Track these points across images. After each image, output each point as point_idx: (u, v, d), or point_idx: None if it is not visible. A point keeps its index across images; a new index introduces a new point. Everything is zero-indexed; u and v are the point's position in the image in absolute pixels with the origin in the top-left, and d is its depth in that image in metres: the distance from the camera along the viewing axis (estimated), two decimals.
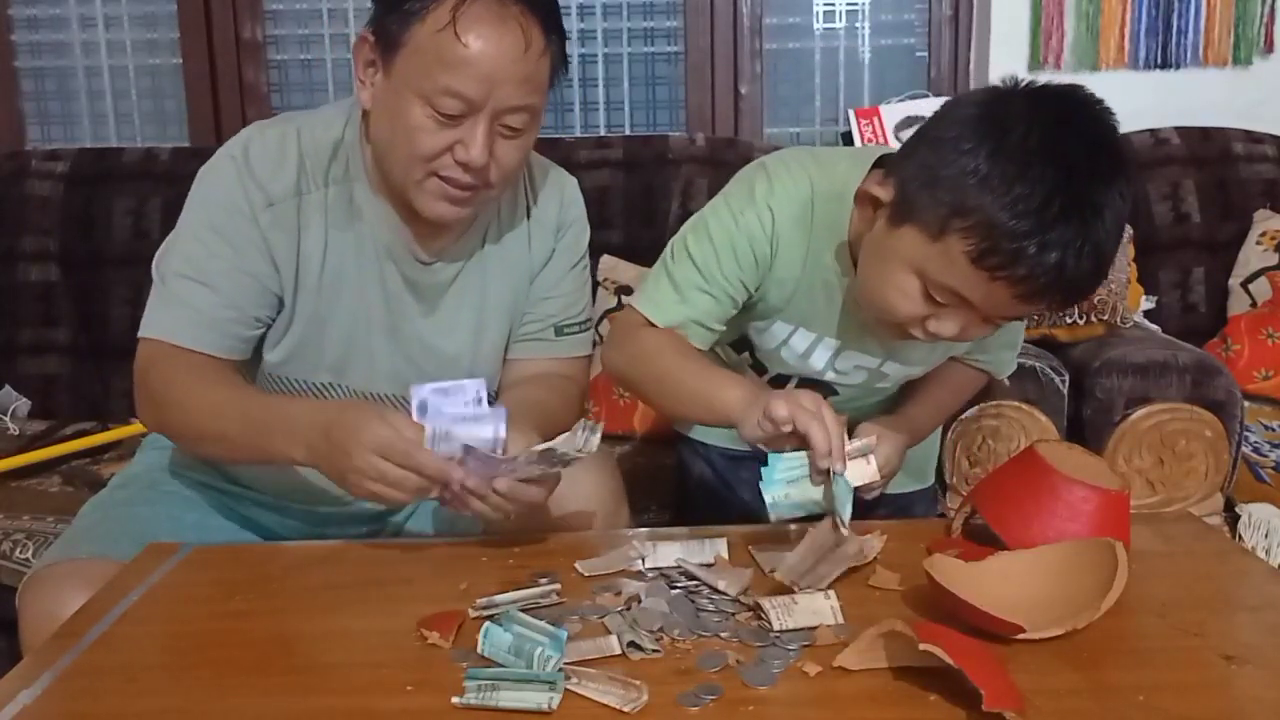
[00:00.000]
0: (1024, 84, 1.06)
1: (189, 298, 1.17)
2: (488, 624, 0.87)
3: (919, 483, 1.46)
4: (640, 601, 0.96)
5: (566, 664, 0.83)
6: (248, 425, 1.13)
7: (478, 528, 1.27)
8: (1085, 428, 1.69)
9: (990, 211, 0.99)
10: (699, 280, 1.21)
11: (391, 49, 1.13)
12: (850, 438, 1.10)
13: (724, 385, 1.15)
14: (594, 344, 1.39)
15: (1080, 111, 1.04)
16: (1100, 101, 1.06)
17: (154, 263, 1.23)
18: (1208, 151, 2.27)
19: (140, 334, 1.19)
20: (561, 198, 1.33)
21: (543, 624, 0.87)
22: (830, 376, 1.29)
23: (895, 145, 2.26)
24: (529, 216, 1.31)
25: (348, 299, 1.23)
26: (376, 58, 1.15)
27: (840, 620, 0.92)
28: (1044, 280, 1.00)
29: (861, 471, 1.10)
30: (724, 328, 1.25)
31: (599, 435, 1.05)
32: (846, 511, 1.02)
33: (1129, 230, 2.04)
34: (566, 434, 1.06)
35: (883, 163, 1.15)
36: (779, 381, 1.33)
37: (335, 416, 1.07)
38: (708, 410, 1.16)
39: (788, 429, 1.02)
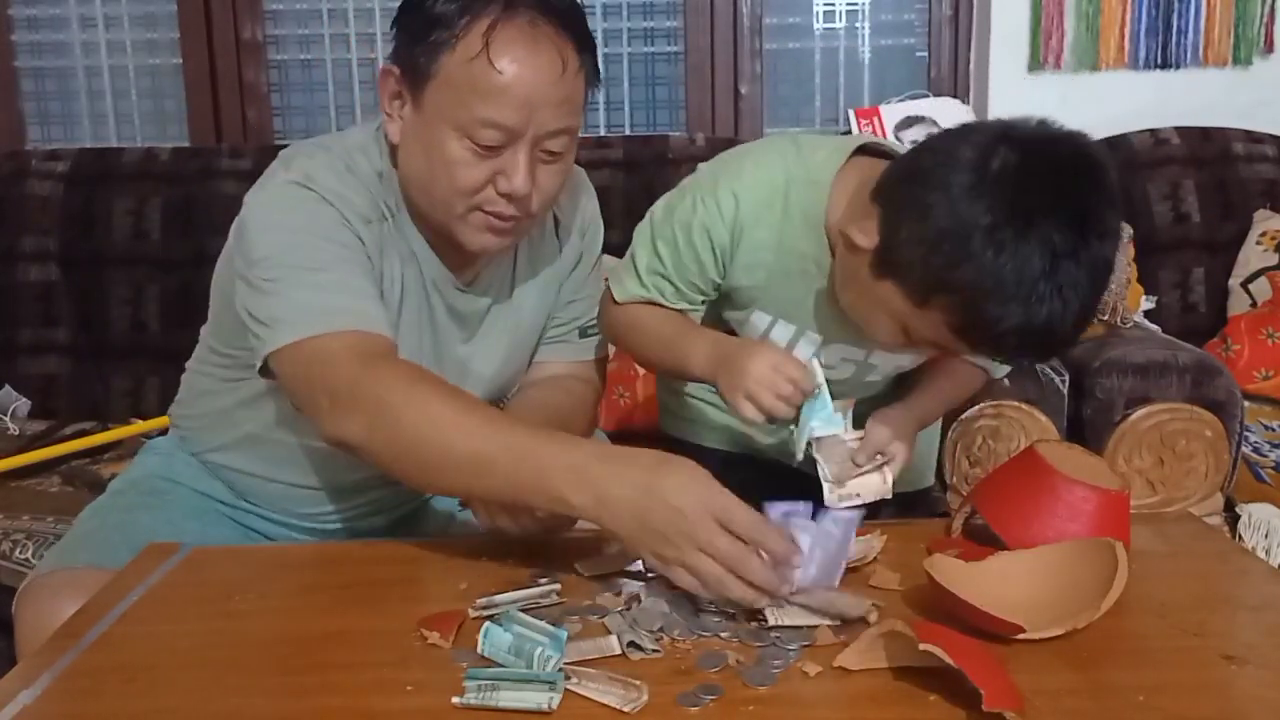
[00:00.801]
0: (1017, 133, 0.99)
1: (340, 285, 1.06)
2: (488, 624, 0.87)
3: (919, 485, 1.46)
4: (640, 601, 0.96)
5: (566, 664, 0.83)
6: (516, 454, 0.97)
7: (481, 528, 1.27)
8: (1085, 428, 1.69)
9: (974, 292, 0.96)
10: (659, 266, 1.22)
11: (420, 81, 1.07)
12: (855, 427, 1.13)
13: (689, 352, 1.18)
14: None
15: (1079, 175, 0.99)
16: (1100, 161, 1.00)
17: (243, 287, 1.09)
18: (1208, 151, 2.27)
19: (286, 338, 1.04)
20: (579, 197, 1.32)
21: (543, 624, 0.87)
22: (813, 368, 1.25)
23: (896, 145, 2.28)
24: (556, 222, 1.29)
25: (410, 330, 1.17)
26: (403, 90, 1.10)
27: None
28: (1027, 346, 1.01)
29: (875, 487, 1.11)
30: (692, 308, 1.25)
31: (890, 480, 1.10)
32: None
33: (1129, 230, 2.05)
34: (877, 477, 1.09)
35: (865, 150, 1.16)
36: None
37: (656, 470, 0.92)
38: (686, 376, 1.24)
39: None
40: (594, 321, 1.33)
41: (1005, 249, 0.94)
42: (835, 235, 1.14)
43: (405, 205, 1.16)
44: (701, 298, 1.25)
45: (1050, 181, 0.97)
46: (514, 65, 1.04)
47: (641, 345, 1.28)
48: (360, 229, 1.10)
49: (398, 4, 1.13)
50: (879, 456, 1.13)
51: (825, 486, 1.11)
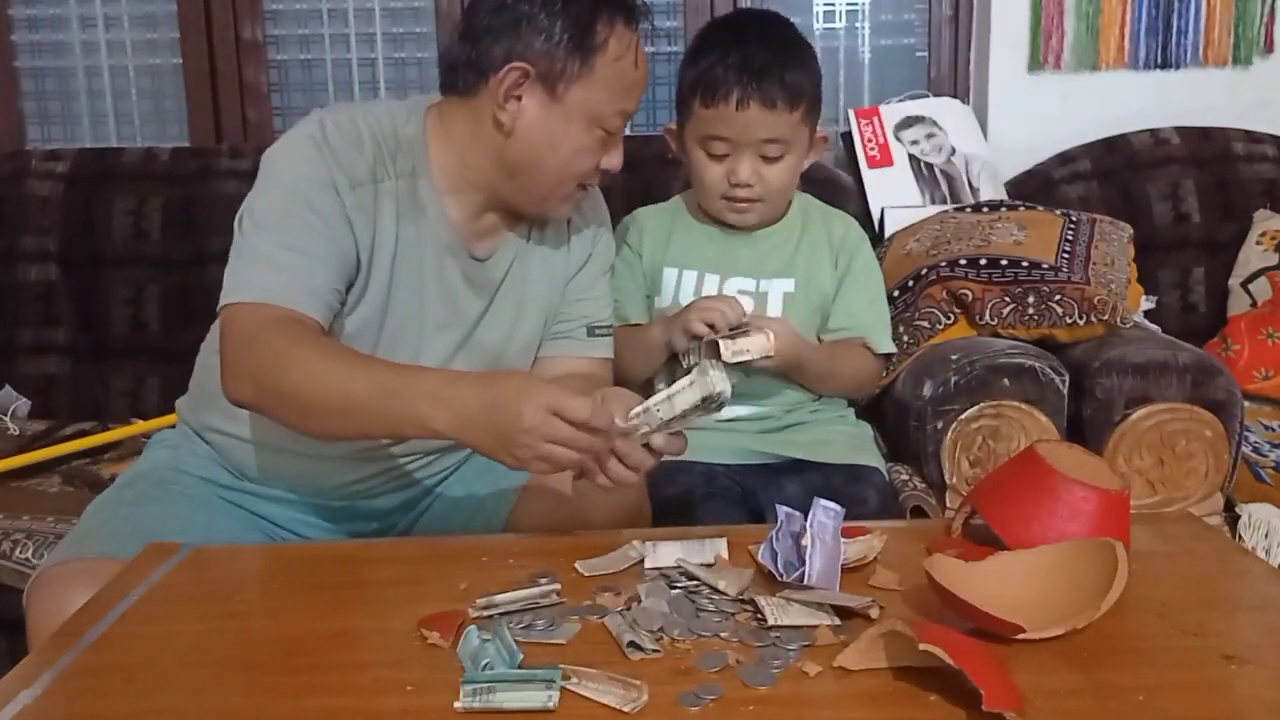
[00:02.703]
0: None
1: (284, 262, 1.15)
2: (471, 627, 0.87)
3: (865, 459, 1.54)
4: (640, 601, 0.96)
5: (566, 664, 0.83)
6: (379, 389, 1.07)
7: (498, 523, 1.27)
8: (1085, 428, 1.69)
9: (690, 71, 1.48)
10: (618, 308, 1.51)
11: (565, 79, 1.21)
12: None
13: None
14: None
15: (761, 15, 1.60)
16: (782, 16, 1.57)
17: (236, 231, 1.20)
18: (1208, 152, 2.27)
19: (230, 299, 1.15)
20: (596, 206, 1.42)
21: (509, 641, 0.86)
22: None
23: (896, 146, 2.29)
24: (570, 222, 1.38)
25: (408, 292, 1.25)
26: (529, 85, 1.21)
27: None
28: (739, 87, 1.42)
29: (760, 344, 1.32)
30: (638, 305, 1.56)
31: (723, 371, 1.09)
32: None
33: (1129, 230, 2.04)
34: (689, 379, 1.07)
35: None
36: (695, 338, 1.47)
37: (497, 381, 1.05)
38: None
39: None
40: (602, 323, 1.40)
41: (706, 38, 1.53)
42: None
43: (438, 172, 1.26)
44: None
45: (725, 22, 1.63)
46: (642, 63, 1.27)
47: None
48: (345, 193, 1.19)
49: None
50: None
51: (721, 345, 1.31)
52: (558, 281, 1.37)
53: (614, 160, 1.28)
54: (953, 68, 2.53)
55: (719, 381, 1.05)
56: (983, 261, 1.84)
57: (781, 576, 0.97)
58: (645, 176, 2.21)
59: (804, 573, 0.94)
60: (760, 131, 1.45)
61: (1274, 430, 1.89)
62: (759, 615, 0.92)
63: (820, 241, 1.59)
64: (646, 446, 1.08)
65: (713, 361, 1.18)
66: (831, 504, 0.99)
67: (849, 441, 1.58)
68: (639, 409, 1.07)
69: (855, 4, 2.56)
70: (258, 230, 1.17)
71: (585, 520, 1.20)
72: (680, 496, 1.44)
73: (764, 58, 1.43)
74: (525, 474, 1.16)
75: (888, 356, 1.64)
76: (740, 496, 1.49)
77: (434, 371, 1.17)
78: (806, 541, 0.95)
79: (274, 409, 1.13)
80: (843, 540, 1.03)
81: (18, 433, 2.04)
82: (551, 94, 1.21)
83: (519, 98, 1.21)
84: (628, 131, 1.34)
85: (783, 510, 1.00)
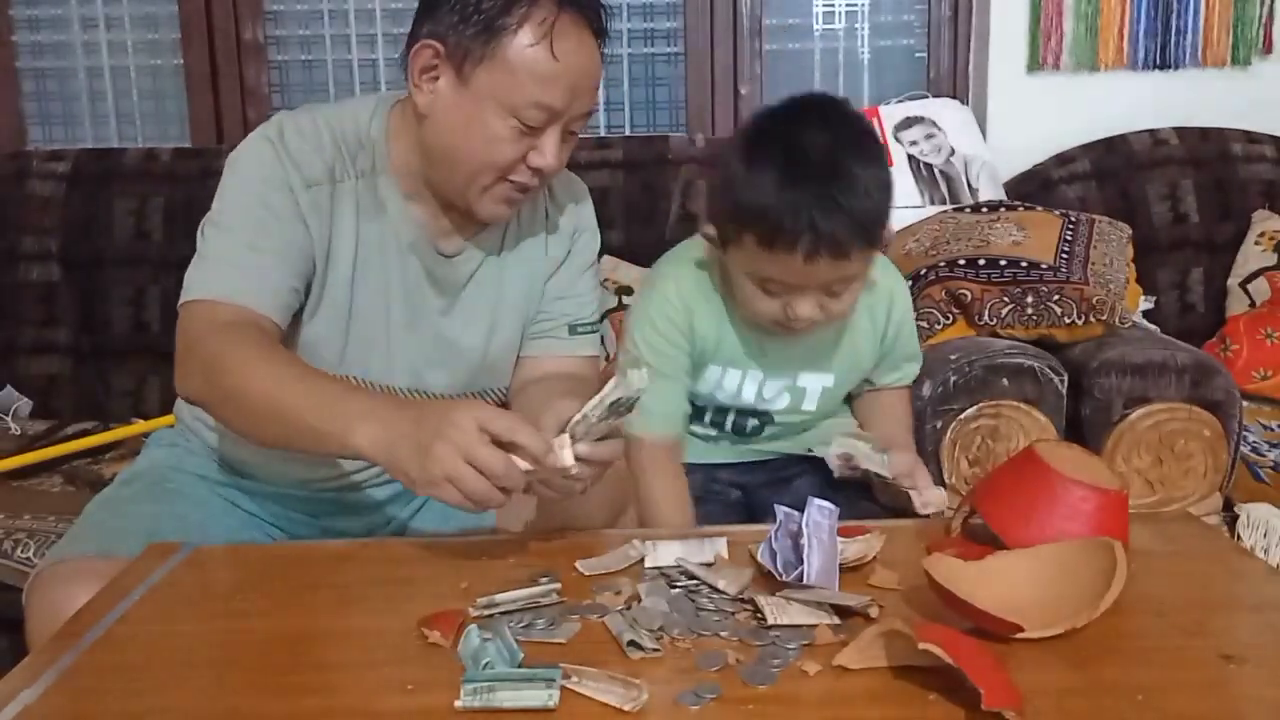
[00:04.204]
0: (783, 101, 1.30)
1: (239, 261, 1.15)
2: (471, 626, 0.88)
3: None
4: (640, 601, 0.96)
5: (567, 663, 0.83)
6: (312, 397, 1.05)
7: (486, 523, 1.27)
8: (1084, 427, 1.69)
9: (748, 204, 1.23)
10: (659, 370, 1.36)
11: (471, 60, 1.14)
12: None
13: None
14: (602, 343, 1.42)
15: (818, 105, 1.30)
16: (835, 97, 1.33)
17: (199, 237, 1.20)
18: (1206, 152, 2.27)
19: (186, 298, 1.16)
20: (577, 203, 1.38)
21: (510, 640, 0.86)
22: (761, 405, 1.44)
23: (895, 147, 2.29)
24: (547, 218, 1.35)
25: (371, 291, 1.24)
26: (442, 65, 1.16)
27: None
28: (808, 239, 1.20)
29: (941, 497, 1.32)
30: (681, 404, 1.42)
31: (644, 368, 1.03)
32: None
33: (1127, 230, 2.05)
34: (615, 381, 1.02)
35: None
36: (720, 414, 1.47)
37: (432, 401, 1.03)
38: None
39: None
40: (584, 321, 1.38)
41: (761, 159, 1.24)
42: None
43: (398, 169, 1.23)
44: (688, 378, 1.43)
45: (796, 111, 1.29)
46: (568, 54, 1.14)
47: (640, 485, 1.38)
48: (300, 192, 1.18)
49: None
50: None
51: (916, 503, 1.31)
52: (536, 280, 1.35)
53: (544, 159, 1.17)
54: (952, 68, 2.53)
55: (638, 380, 1.01)
56: (982, 262, 1.84)
57: (781, 576, 0.97)
58: (645, 177, 2.22)
59: (803, 572, 0.95)
60: (829, 276, 1.25)
61: (1272, 430, 1.89)
62: (759, 614, 0.92)
63: (866, 323, 1.45)
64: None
65: (630, 360, 1.12)
66: (826, 503, 0.99)
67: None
68: (577, 416, 1.02)
69: (855, 4, 2.56)
70: (215, 231, 1.18)
71: (571, 520, 1.19)
72: None
73: (835, 194, 1.20)
74: None
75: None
76: (738, 501, 1.49)
77: (371, 393, 1.17)
78: (804, 541, 0.95)
79: (218, 409, 1.14)
80: (842, 540, 1.03)
81: (19, 433, 2.05)
82: (459, 76, 1.15)
83: (435, 79, 1.17)
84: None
85: (781, 510, 1.00)
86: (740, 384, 1.42)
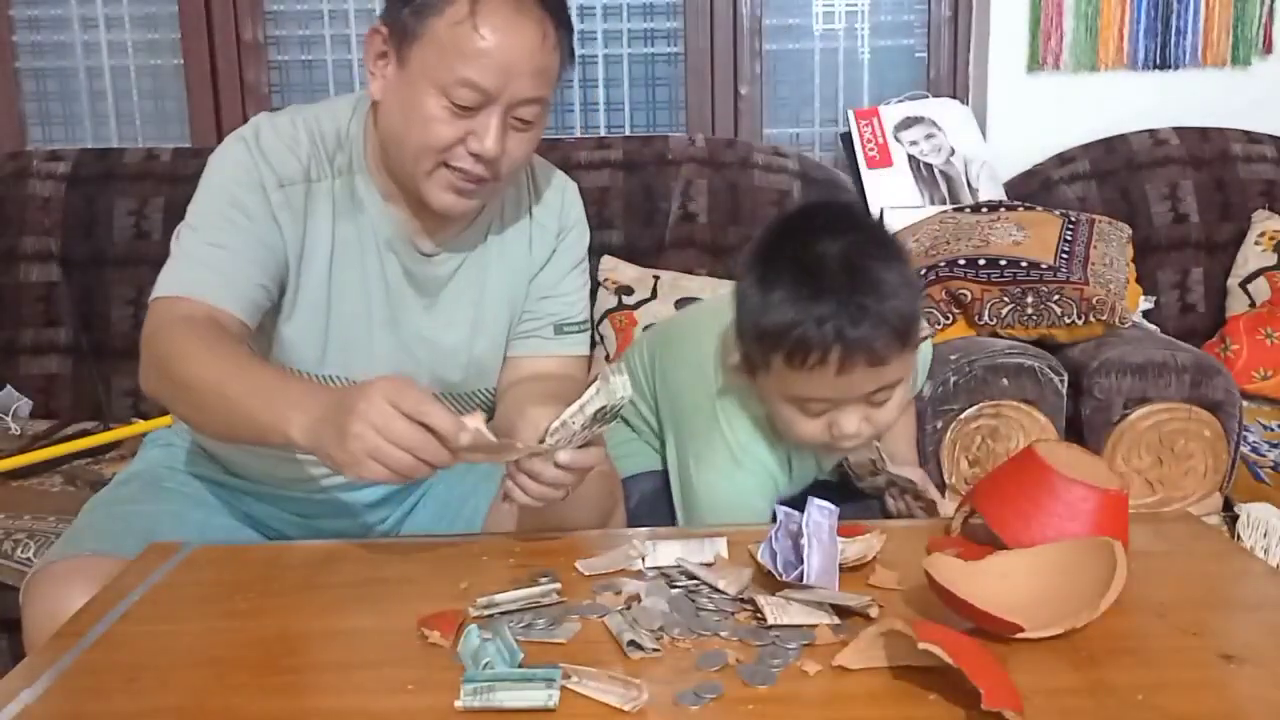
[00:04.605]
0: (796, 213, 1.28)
1: (206, 258, 1.16)
2: (471, 626, 0.88)
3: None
4: (640, 601, 0.96)
5: (566, 663, 0.83)
6: (252, 388, 1.06)
7: (475, 526, 1.27)
8: (1084, 427, 1.69)
9: (770, 326, 1.16)
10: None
11: (407, 41, 1.15)
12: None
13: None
14: (592, 344, 1.41)
15: (826, 213, 1.26)
16: (845, 202, 1.36)
17: (173, 241, 1.22)
18: (1206, 152, 2.27)
19: (152, 296, 1.17)
20: (563, 201, 1.36)
21: (510, 640, 0.86)
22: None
23: (895, 147, 2.29)
24: (530, 217, 1.34)
25: (350, 290, 1.24)
26: (389, 49, 1.17)
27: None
28: (839, 349, 1.13)
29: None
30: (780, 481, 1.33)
31: (625, 376, 1.03)
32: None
33: (1127, 230, 2.05)
34: (597, 387, 1.01)
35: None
36: None
37: (348, 386, 1.03)
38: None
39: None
40: (570, 321, 1.36)
41: (776, 279, 1.17)
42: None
43: (375, 166, 1.23)
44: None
45: (808, 222, 1.22)
46: (496, 33, 1.12)
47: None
48: (272, 191, 1.18)
49: None
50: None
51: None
52: (520, 279, 1.33)
53: (482, 143, 1.14)
54: (952, 68, 2.53)
55: (621, 388, 1.01)
56: (982, 262, 1.84)
57: (781, 576, 0.97)
58: (645, 177, 2.22)
59: (803, 571, 0.95)
60: (869, 386, 1.18)
61: (1272, 430, 1.89)
62: (759, 614, 0.92)
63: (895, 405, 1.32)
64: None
65: (615, 368, 1.09)
66: (825, 503, 0.99)
67: None
68: (555, 423, 1.02)
69: (855, 5, 2.56)
70: (188, 232, 1.19)
71: (559, 523, 1.19)
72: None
73: (859, 299, 1.13)
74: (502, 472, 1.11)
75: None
76: None
77: (307, 383, 1.17)
78: (804, 541, 0.95)
79: (172, 403, 1.14)
80: (842, 540, 1.03)
81: (19, 433, 2.05)
82: (399, 58, 1.16)
83: (387, 65, 1.18)
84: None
85: (781, 510, 1.00)
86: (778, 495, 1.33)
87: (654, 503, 1.39)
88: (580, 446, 1.05)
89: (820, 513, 0.97)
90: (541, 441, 1.03)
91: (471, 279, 1.30)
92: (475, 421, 0.99)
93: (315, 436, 0.99)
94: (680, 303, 2.03)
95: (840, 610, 0.92)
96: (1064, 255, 1.85)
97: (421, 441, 0.95)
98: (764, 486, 1.31)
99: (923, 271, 1.88)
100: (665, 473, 1.42)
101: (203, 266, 1.16)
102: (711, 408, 1.31)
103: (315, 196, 1.21)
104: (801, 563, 0.95)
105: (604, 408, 1.01)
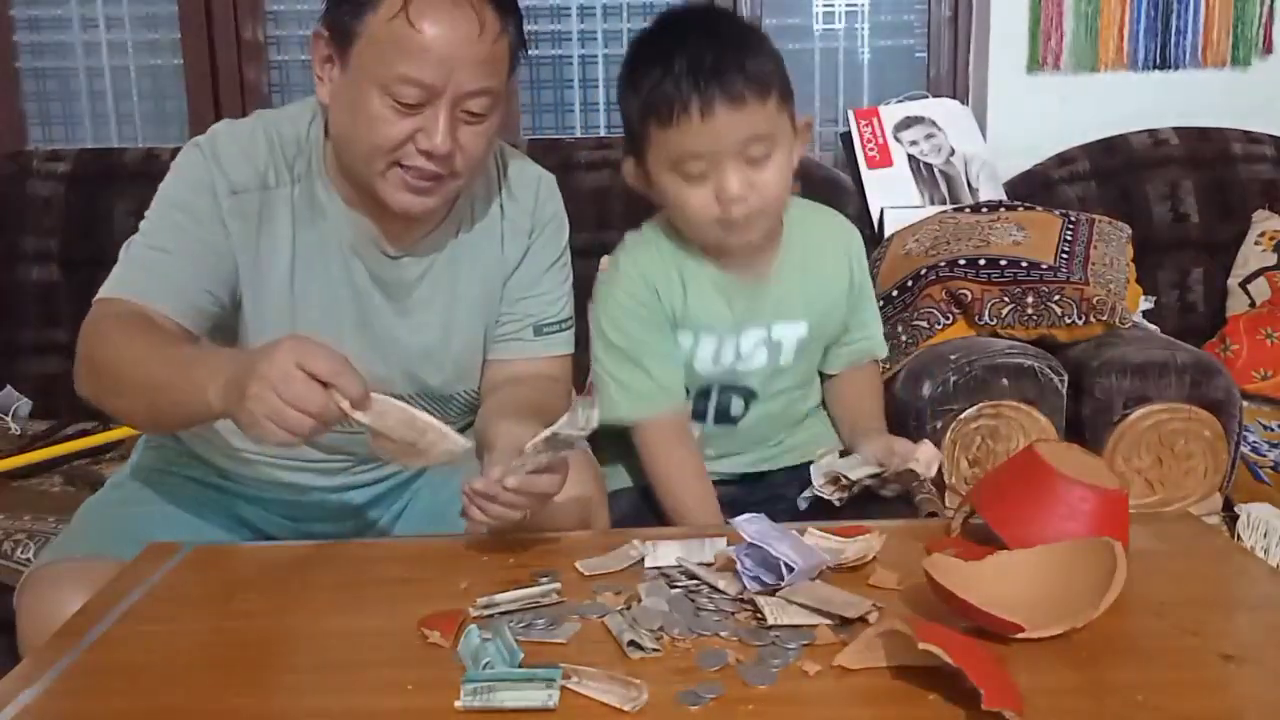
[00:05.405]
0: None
1: (147, 262, 1.16)
2: (471, 626, 0.88)
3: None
4: (640, 600, 0.96)
5: (567, 663, 0.83)
6: (171, 362, 1.05)
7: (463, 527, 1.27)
8: (1084, 427, 1.69)
9: (639, 96, 1.28)
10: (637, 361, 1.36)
11: (346, 42, 1.13)
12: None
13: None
14: (576, 343, 1.40)
15: (687, 16, 1.39)
16: (710, 7, 1.44)
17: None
18: (1206, 152, 2.27)
19: (95, 298, 1.17)
20: (536, 197, 1.33)
21: (510, 640, 0.86)
22: (740, 368, 1.40)
23: (895, 147, 2.29)
24: (502, 215, 1.31)
25: (316, 296, 1.22)
26: (332, 52, 1.15)
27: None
28: (696, 95, 1.23)
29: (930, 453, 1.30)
30: (674, 374, 1.39)
31: (598, 410, 1.02)
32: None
33: (1127, 230, 2.05)
34: (566, 415, 1.02)
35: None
36: (702, 398, 1.43)
37: (260, 349, 0.99)
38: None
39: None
40: (550, 320, 1.35)
41: (643, 52, 1.32)
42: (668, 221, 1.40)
43: (335, 171, 1.21)
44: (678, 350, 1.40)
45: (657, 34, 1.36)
46: (433, 26, 1.10)
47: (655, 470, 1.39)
48: (223, 198, 1.17)
49: None
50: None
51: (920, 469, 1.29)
52: (493, 281, 1.31)
53: (430, 140, 1.13)
54: (952, 68, 2.53)
55: (583, 421, 1.00)
56: (982, 262, 1.84)
57: (776, 583, 0.96)
58: None
59: (786, 564, 0.94)
60: (737, 134, 1.25)
61: (1273, 430, 1.89)
62: (759, 614, 0.92)
63: (830, 264, 1.46)
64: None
65: (585, 401, 1.06)
66: (747, 514, 0.99)
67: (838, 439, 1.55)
68: (532, 443, 1.02)
69: (855, 4, 2.56)
70: (136, 238, 1.19)
71: (540, 526, 1.19)
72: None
73: (713, 53, 1.25)
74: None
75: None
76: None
77: (226, 353, 1.14)
78: (764, 547, 0.95)
79: (100, 394, 1.12)
80: (842, 540, 1.03)
81: (19, 433, 2.05)
82: (342, 59, 1.14)
83: (333, 68, 1.16)
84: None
85: (729, 549, 1.01)
86: (717, 349, 1.39)
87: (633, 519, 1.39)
88: (541, 470, 1.04)
89: (751, 523, 0.98)
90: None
91: (442, 281, 1.28)
92: (393, 405, 0.99)
93: (225, 401, 0.98)
94: None
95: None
96: (1064, 255, 1.85)
97: (320, 405, 0.93)
98: (652, 328, 1.37)
99: (923, 272, 1.88)
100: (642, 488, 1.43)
101: (142, 269, 1.16)
102: (614, 267, 1.42)
103: (273, 203, 1.20)
104: (780, 564, 0.95)
105: (559, 435, 1.01)
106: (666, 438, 1.37)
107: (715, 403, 1.43)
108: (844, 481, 1.32)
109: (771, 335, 1.40)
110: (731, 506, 1.46)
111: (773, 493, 1.46)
